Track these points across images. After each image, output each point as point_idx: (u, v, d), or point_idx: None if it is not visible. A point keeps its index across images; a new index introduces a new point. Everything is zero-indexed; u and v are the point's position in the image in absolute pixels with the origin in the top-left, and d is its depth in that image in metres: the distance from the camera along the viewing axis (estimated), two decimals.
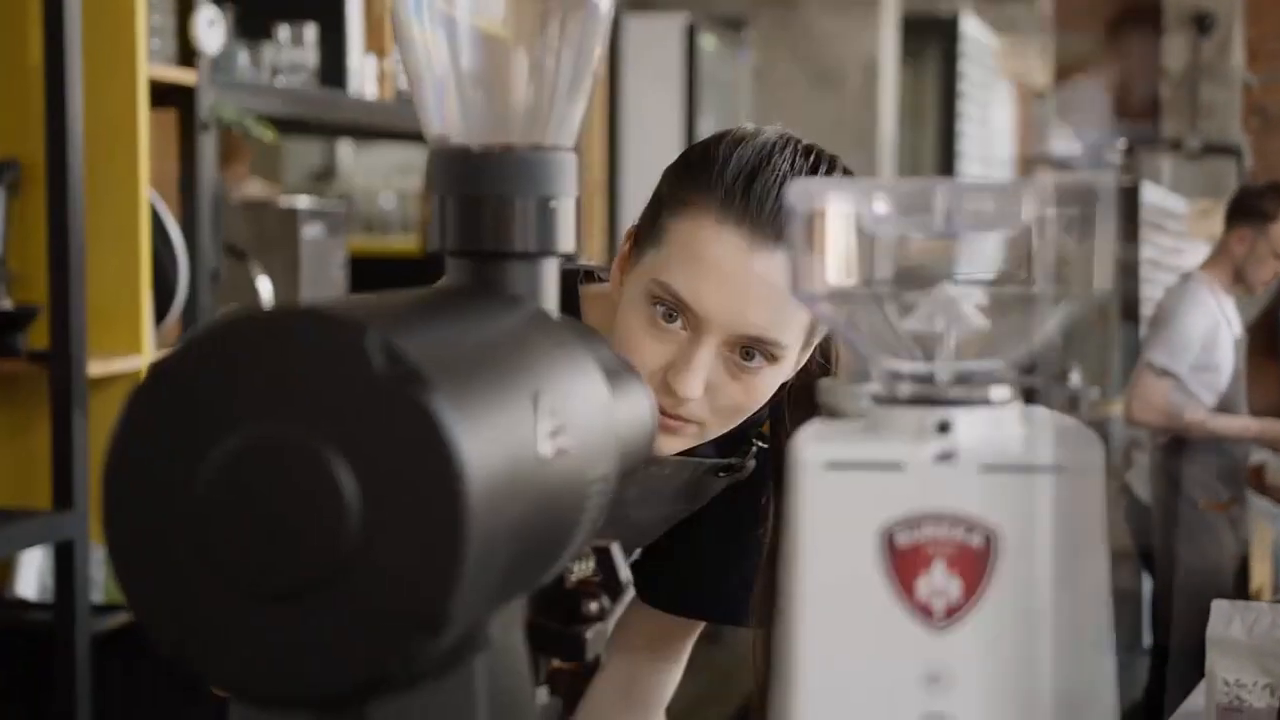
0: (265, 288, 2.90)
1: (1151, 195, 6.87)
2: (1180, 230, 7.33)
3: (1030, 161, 9.02)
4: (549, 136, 0.80)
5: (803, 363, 1.31)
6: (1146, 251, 6.61)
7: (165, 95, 2.61)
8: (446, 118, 0.80)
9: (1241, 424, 4.28)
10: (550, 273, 0.80)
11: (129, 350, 2.45)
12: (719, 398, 1.24)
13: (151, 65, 2.52)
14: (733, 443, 1.39)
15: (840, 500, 0.68)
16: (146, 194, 2.46)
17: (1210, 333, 4.18)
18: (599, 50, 0.82)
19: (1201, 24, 9.01)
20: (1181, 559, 4.16)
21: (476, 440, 0.62)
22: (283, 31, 2.97)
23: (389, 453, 0.60)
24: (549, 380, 0.71)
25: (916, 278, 0.73)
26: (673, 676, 1.51)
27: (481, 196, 0.78)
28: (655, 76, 5.20)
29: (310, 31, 3.00)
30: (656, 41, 5.31)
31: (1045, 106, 9.56)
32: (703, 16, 5.61)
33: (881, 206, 0.70)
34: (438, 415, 0.60)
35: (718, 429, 1.27)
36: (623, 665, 1.48)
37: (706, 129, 5.28)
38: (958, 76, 6.95)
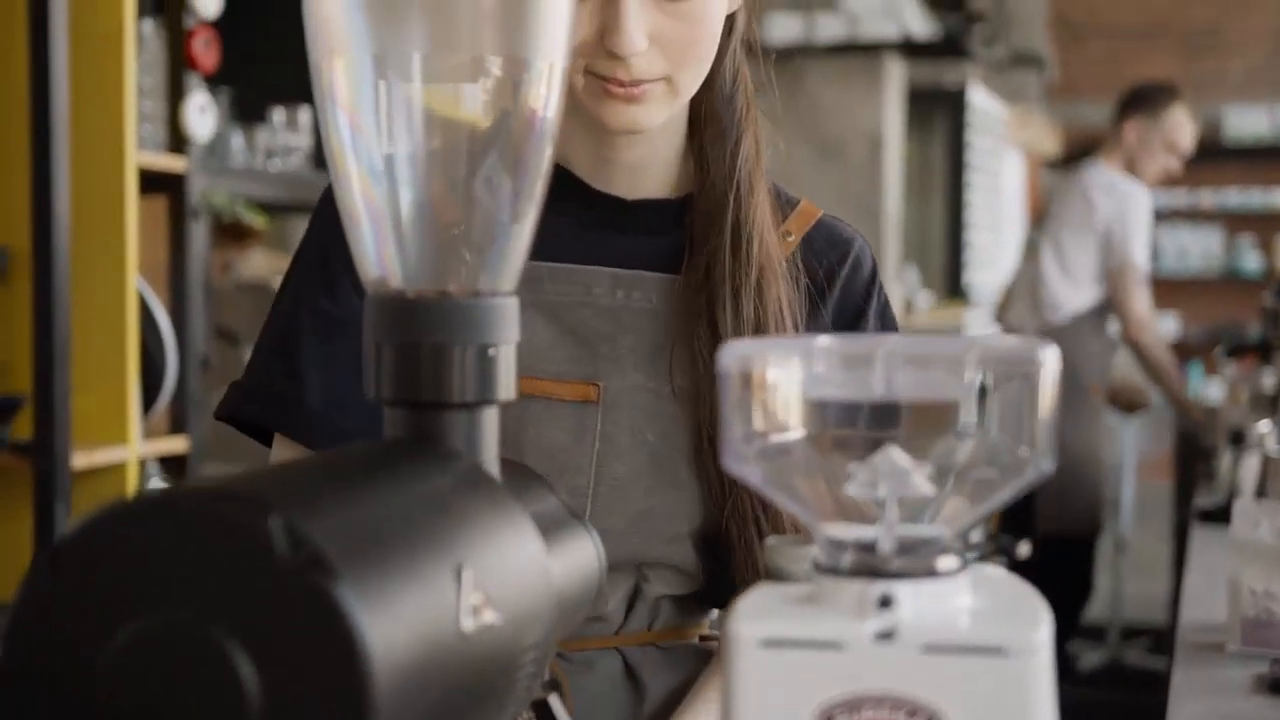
0: None
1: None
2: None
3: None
4: (487, 281, 0.77)
5: None
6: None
7: (156, 181, 2.60)
8: (384, 261, 0.77)
9: (1192, 403, 4.37)
10: (490, 422, 0.77)
11: (115, 441, 2.42)
12: (667, 41, 1.14)
13: (142, 153, 2.51)
14: None
15: (777, 680, 0.65)
16: (134, 282, 2.44)
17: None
18: (543, 172, 0.79)
19: None
20: (1063, 438, 4.12)
21: (387, 627, 0.59)
22: (277, 114, 2.97)
23: (292, 644, 0.57)
24: (477, 548, 0.68)
25: (859, 441, 0.70)
26: None
27: (418, 344, 0.75)
28: None
29: (305, 114, 3.00)
30: None
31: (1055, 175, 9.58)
32: None
33: (819, 368, 0.67)
34: (342, 605, 0.57)
35: (689, 80, 1.18)
36: None
37: None
38: (965, 147, 6.95)
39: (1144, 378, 4.50)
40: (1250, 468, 2.86)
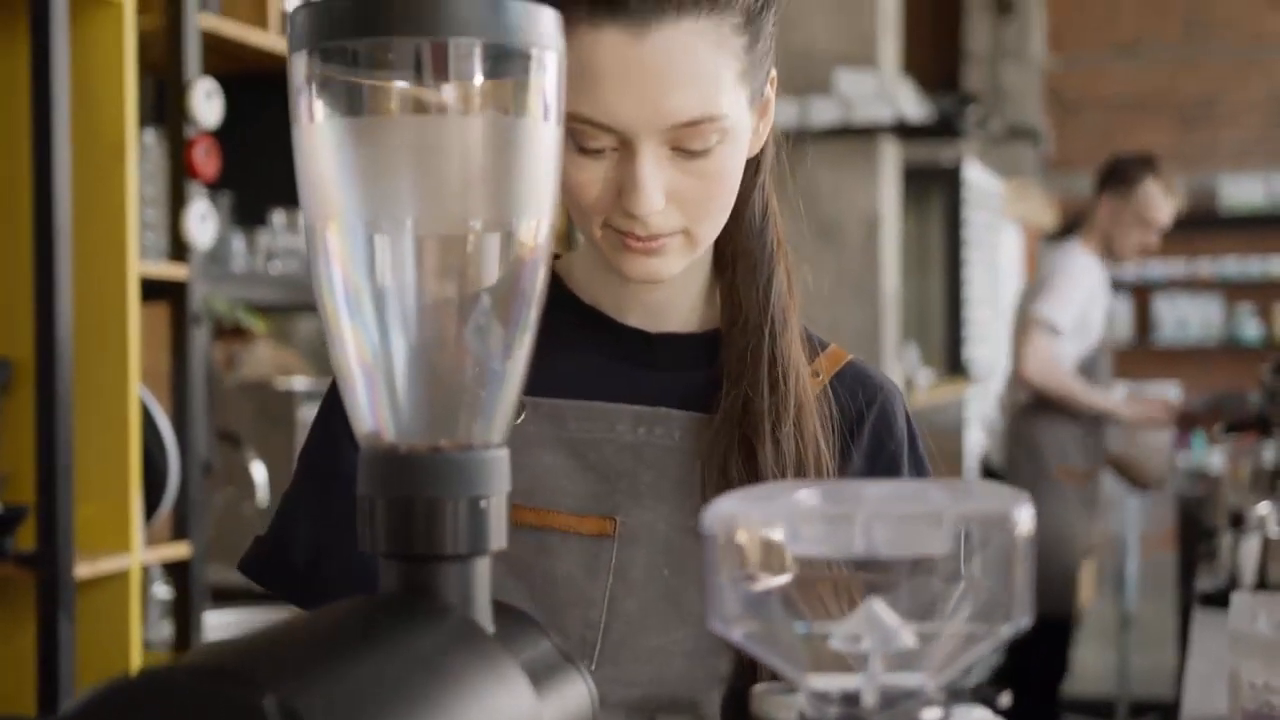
0: (260, 474, 2.89)
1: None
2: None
3: None
4: (480, 432, 0.79)
5: (766, 127, 1.22)
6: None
7: (157, 289, 2.63)
8: (377, 416, 0.79)
9: (1115, 403, 4.29)
10: (482, 572, 0.79)
11: (118, 549, 2.44)
12: (684, 198, 1.13)
13: (144, 261, 2.54)
14: None
15: None
16: (137, 391, 2.46)
17: (1091, 294, 4.22)
18: (533, 323, 0.81)
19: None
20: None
21: None
22: (277, 217, 3.00)
23: None
24: (469, 708, 0.70)
25: (844, 592, 0.72)
26: None
27: (411, 499, 0.77)
28: None
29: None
30: None
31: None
32: None
33: (803, 527, 0.69)
34: None
35: (707, 231, 1.17)
36: None
37: None
38: (962, 223, 6.99)
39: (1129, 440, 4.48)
40: (1250, 550, 2.87)
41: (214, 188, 2.79)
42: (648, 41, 1.09)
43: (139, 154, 2.54)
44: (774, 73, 1.22)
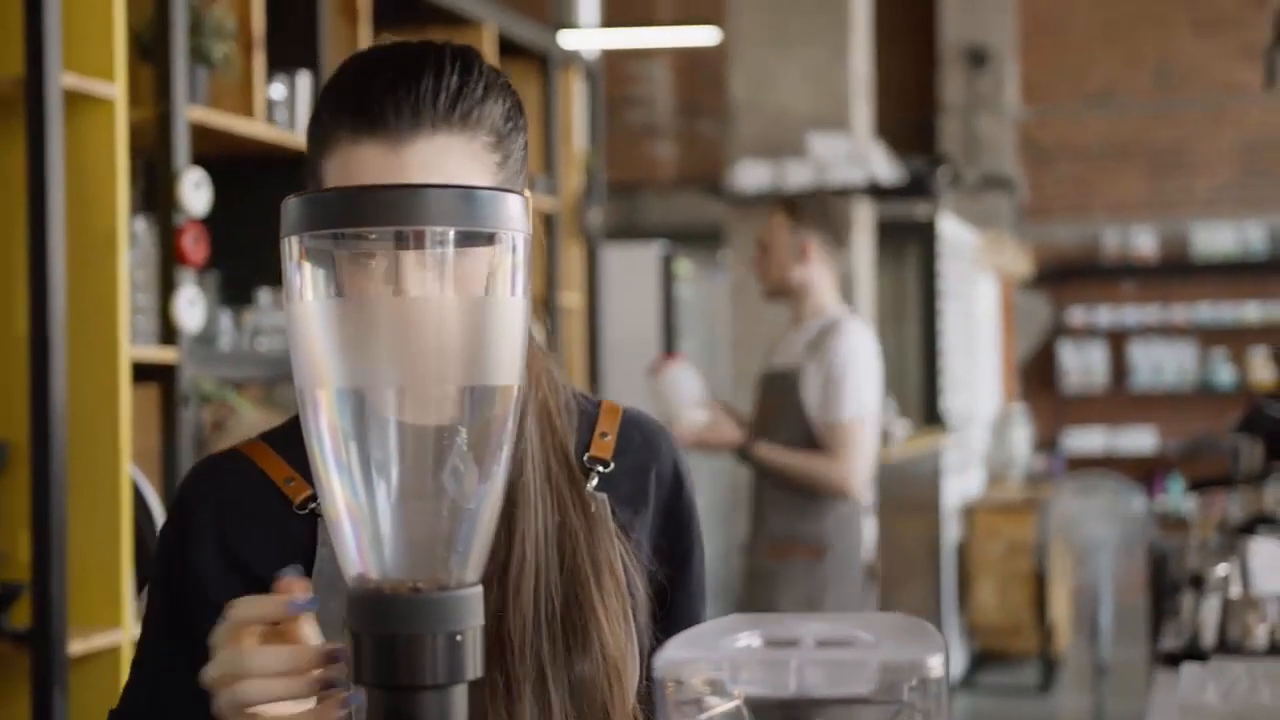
0: None
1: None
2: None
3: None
4: (455, 575, 0.88)
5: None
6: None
7: (148, 371, 2.71)
8: (363, 559, 0.88)
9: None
10: (460, 699, 0.87)
11: (110, 625, 2.51)
12: None
13: (135, 346, 2.62)
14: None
15: None
16: (128, 470, 2.54)
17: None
18: (504, 472, 0.90)
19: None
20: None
21: None
22: (264, 295, 3.09)
23: None
24: None
25: None
26: None
27: (394, 635, 0.86)
28: (634, 304, 5.36)
29: None
30: (635, 270, 5.49)
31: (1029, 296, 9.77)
32: (681, 240, 5.68)
33: (742, 672, 0.78)
34: None
35: None
36: None
37: (687, 350, 5.39)
38: (936, 275, 7.08)
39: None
40: (1211, 611, 2.93)
41: (202, 269, 2.88)
42: (404, 154, 1.15)
43: (130, 242, 2.63)
44: (530, 194, 1.29)
